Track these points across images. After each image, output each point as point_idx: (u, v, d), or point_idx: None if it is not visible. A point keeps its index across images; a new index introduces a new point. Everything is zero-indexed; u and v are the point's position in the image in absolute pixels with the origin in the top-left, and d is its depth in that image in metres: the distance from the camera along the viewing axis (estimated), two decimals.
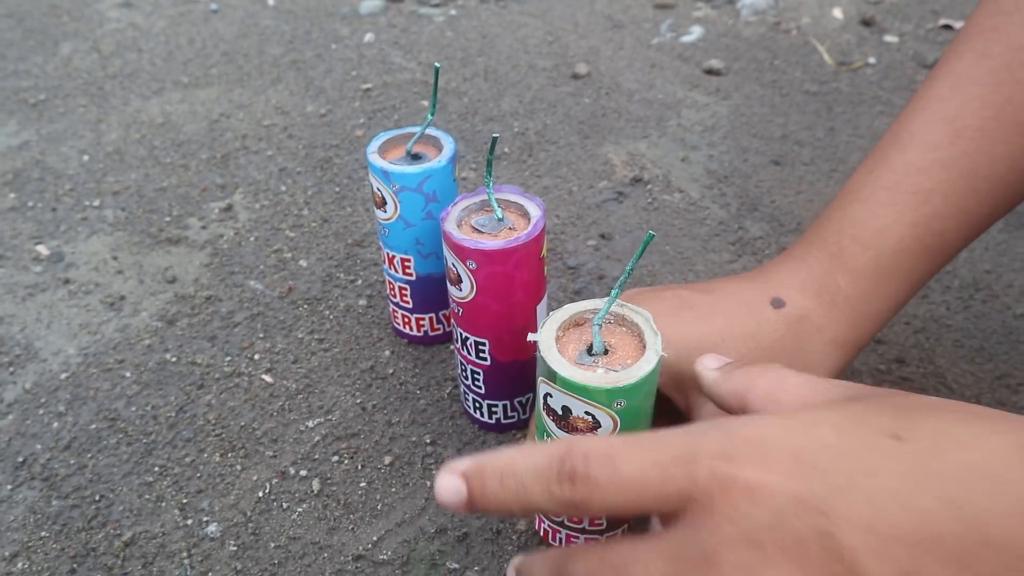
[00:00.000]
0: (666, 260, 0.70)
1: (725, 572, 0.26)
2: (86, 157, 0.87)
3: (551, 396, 0.40)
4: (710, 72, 1.02)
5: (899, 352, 0.62)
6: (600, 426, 0.39)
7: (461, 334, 0.51)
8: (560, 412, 0.40)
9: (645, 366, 0.38)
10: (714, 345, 0.43)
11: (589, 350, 0.40)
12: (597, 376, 0.38)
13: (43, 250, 0.74)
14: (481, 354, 0.50)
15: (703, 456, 0.28)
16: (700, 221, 0.75)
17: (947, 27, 1.13)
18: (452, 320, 0.51)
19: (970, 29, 0.47)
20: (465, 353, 0.51)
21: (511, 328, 0.49)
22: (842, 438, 0.28)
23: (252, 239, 0.74)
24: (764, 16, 1.16)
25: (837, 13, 1.17)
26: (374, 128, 0.90)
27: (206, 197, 0.80)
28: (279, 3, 1.22)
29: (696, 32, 1.11)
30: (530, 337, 0.40)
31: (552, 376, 0.39)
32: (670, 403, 0.46)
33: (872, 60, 1.05)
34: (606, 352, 0.40)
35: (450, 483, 0.31)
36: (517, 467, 0.30)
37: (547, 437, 0.42)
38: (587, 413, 0.39)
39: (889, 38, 1.11)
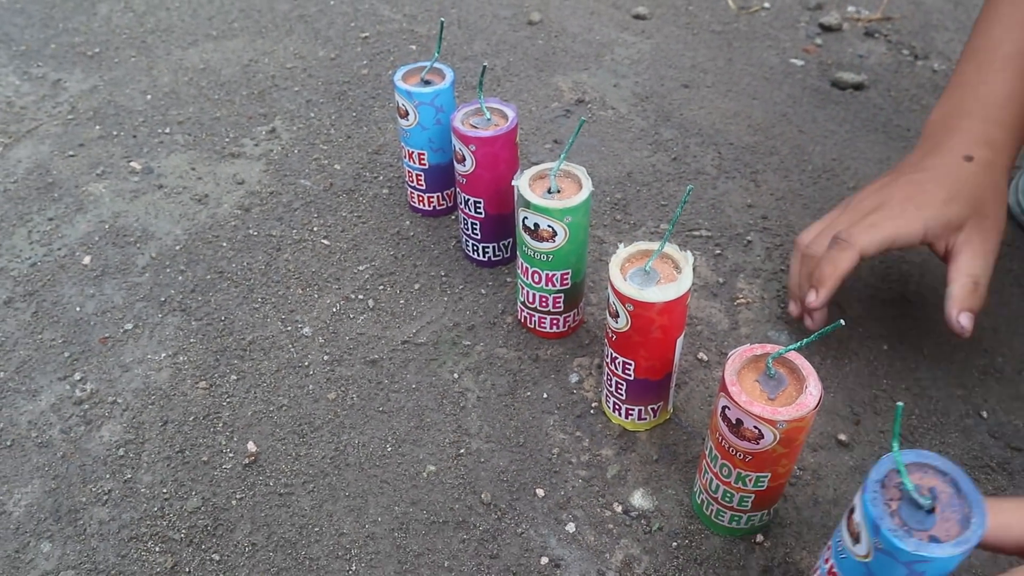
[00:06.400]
0: (601, 157, 0.97)
1: None
2: (148, 96, 1.11)
3: (527, 218, 0.66)
4: (637, 17, 1.28)
5: (764, 212, 0.90)
6: (557, 233, 0.66)
7: (464, 197, 0.77)
8: (533, 228, 0.66)
9: (582, 196, 0.65)
10: (948, 199, 0.65)
11: (548, 190, 0.67)
12: (554, 201, 0.65)
13: (136, 165, 0.98)
14: (478, 209, 0.77)
15: None
16: (627, 129, 1.02)
17: None
18: (457, 188, 0.77)
19: None
20: (467, 211, 0.78)
21: (498, 190, 0.75)
22: None
23: (296, 151, 0.99)
24: None
25: None
26: (376, 68, 1.14)
27: (253, 123, 1.04)
28: None
29: None
30: (513, 182, 0.66)
31: (527, 204, 0.65)
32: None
33: (767, 5, 1.32)
34: (559, 191, 0.67)
35: None
36: None
37: (524, 247, 0.68)
38: (549, 226, 0.66)
39: None
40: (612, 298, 0.59)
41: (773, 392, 0.51)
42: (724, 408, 0.52)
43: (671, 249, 0.60)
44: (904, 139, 1.01)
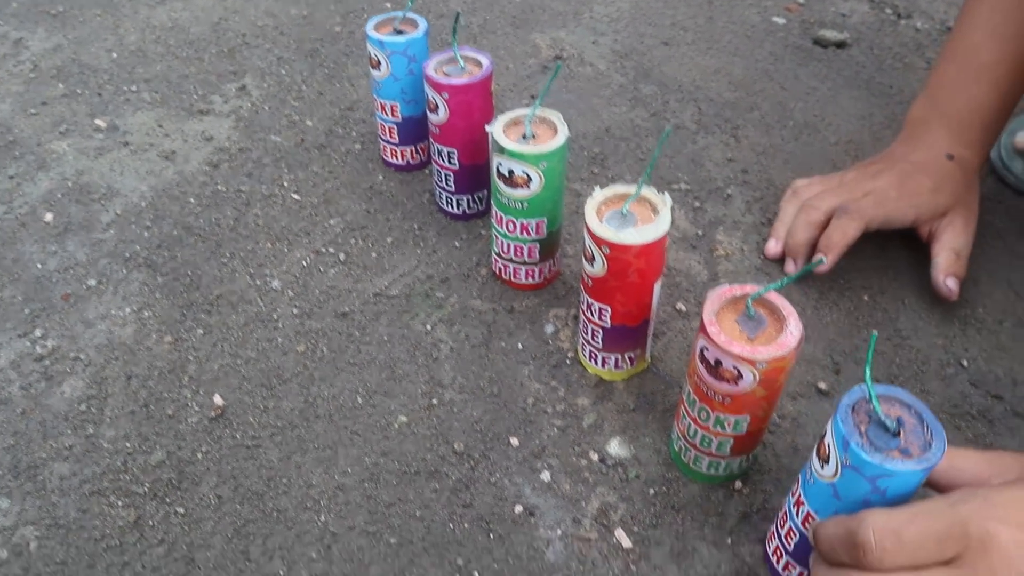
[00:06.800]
0: (580, 112, 0.95)
1: None
2: (114, 55, 1.07)
3: (501, 164, 0.64)
4: None
5: (744, 166, 0.88)
6: (532, 180, 0.64)
7: (437, 148, 0.75)
8: (507, 175, 0.64)
9: (558, 141, 0.63)
10: (934, 190, 0.72)
11: (523, 136, 0.65)
12: (528, 147, 0.63)
13: (101, 123, 0.95)
14: (452, 160, 0.75)
15: (971, 523, 0.39)
16: (605, 86, 1.00)
17: None
18: (431, 139, 0.75)
19: None
20: (441, 161, 0.76)
21: (472, 140, 0.73)
22: None
23: (266, 108, 0.96)
24: None
25: None
26: (349, 25, 1.12)
27: (222, 80, 1.02)
28: None
29: None
30: (487, 127, 0.64)
31: (501, 150, 0.63)
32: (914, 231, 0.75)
33: None
34: (534, 137, 0.65)
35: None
36: (818, 533, 0.44)
37: (499, 195, 0.67)
38: (524, 172, 0.64)
39: None
40: (588, 242, 0.57)
41: (753, 332, 0.50)
42: (703, 349, 0.51)
43: (649, 192, 0.58)
44: (886, 96, 0.99)
